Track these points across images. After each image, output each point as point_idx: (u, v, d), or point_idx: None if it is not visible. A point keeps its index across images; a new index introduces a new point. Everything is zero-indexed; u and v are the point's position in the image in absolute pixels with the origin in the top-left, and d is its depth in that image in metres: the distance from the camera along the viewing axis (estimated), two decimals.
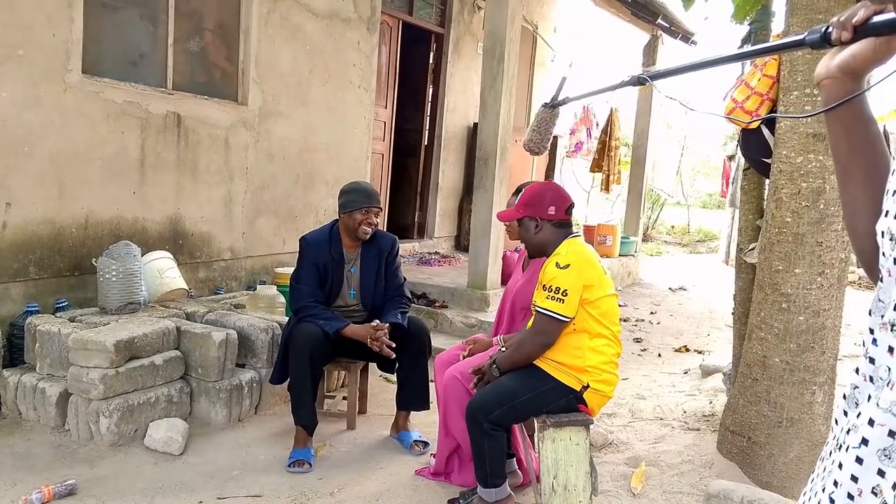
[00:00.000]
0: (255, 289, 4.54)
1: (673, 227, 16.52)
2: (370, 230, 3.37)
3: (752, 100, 3.11)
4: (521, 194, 2.83)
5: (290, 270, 3.66)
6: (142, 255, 3.97)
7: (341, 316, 3.38)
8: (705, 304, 7.84)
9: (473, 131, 7.70)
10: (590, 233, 8.07)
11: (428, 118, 7.88)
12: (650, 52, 8.93)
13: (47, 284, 3.97)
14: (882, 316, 0.89)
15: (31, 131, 3.79)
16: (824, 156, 2.86)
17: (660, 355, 5.53)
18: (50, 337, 3.41)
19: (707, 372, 4.66)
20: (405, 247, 7.17)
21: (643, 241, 10.66)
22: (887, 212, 0.91)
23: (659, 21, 8.45)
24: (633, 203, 9.18)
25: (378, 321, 3.31)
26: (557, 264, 2.53)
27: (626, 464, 3.29)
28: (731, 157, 11.02)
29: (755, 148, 3.26)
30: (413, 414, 3.54)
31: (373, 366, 3.69)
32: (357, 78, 6.12)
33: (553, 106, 2.53)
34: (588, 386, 2.55)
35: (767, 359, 3.05)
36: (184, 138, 4.64)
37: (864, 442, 0.85)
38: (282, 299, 4.35)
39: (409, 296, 3.62)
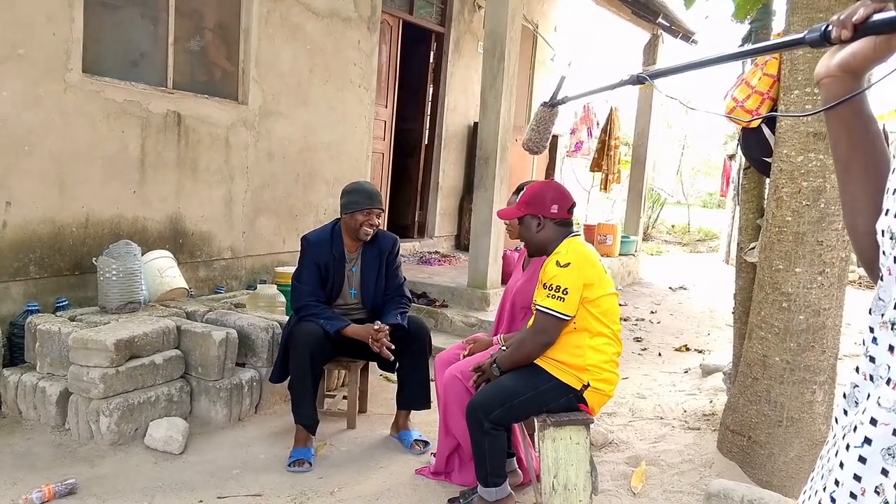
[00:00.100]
0: (256, 288, 4.54)
1: (673, 226, 16.53)
2: (371, 231, 3.37)
3: (753, 99, 3.11)
4: (522, 193, 2.83)
5: (291, 270, 3.66)
6: (142, 255, 3.97)
7: (342, 315, 3.38)
8: (705, 304, 7.84)
9: (474, 130, 7.70)
10: (590, 232, 8.07)
11: (428, 117, 7.88)
12: (651, 51, 8.93)
13: (47, 283, 3.97)
14: (882, 314, 0.89)
15: (32, 130, 3.79)
16: (825, 155, 2.85)
17: (660, 354, 5.53)
18: (50, 336, 3.41)
19: (707, 371, 4.66)
20: (405, 246, 7.17)
21: (643, 240, 10.66)
22: (887, 210, 0.90)
23: (659, 20, 8.45)
24: (634, 202, 9.17)
25: (379, 322, 3.31)
26: (558, 263, 2.53)
27: (627, 463, 3.29)
28: (731, 157, 11.02)
29: (756, 147, 3.26)
30: (413, 413, 3.54)
31: (373, 365, 3.69)
32: (357, 77, 6.12)
33: (552, 105, 2.53)
34: (588, 385, 2.55)
35: (768, 358, 3.05)
36: (184, 137, 4.64)
37: (868, 441, 0.85)
38: (282, 298, 4.34)
39: (409, 295, 3.62)
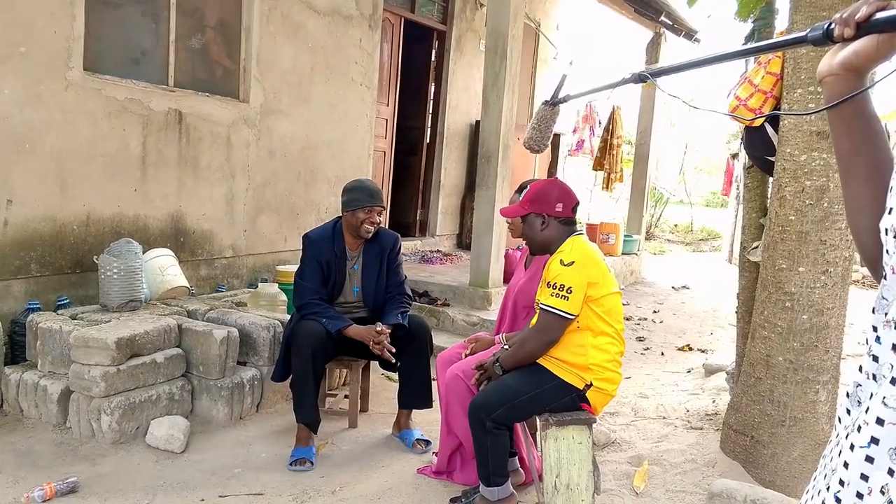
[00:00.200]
0: (257, 286, 4.54)
1: (676, 225, 16.51)
2: (372, 229, 3.37)
3: (756, 97, 3.09)
4: (526, 191, 2.82)
5: (292, 268, 3.66)
6: (143, 253, 3.97)
7: (343, 314, 3.38)
8: (708, 303, 7.83)
9: (475, 129, 7.69)
10: (592, 231, 8.06)
11: (430, 116, 7.88)
12: (653, 49, 8.92)
13: (49, 282, 3.97)
14: (886, 313, 0.88)
15: (33, 128, 3.79)
16: (828, 154, 2.84)
17: (663, 354, 5.52)
18: (51, 334, 3.41)
19: (710, 371, 4.65)
20: (407, 245, 7.16)
21: (646, 239, 10.65)
22: (891, 209, 0.90)
23: (662, 18, 8.44)
24: (636, 201, 9.17)
25: (380, 324, 3.31)
26: (562, 261, 2.53)
27: (629, 463, 3.28)
28: (734, 155, 11.00)
29: (759, 146, 3.25)
30: (415, 412, 3.54)
31: (375, 364, 3.68)
32: (359, 75, 6.11)
33: (553, 104, 2.52)
34: (591, 384, 2.54)
35: (771, 357, 3.04)
36: (185, 135, 4.64)
37: (875, 441, 0.84)
38: (283, 297, 4.34)
39: (410, 294, 3.62)
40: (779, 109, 3.05)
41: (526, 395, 2.55)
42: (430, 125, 7.89)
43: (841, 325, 3.03)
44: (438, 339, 4.31)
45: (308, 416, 3.23)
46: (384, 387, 4.22)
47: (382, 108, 6.94)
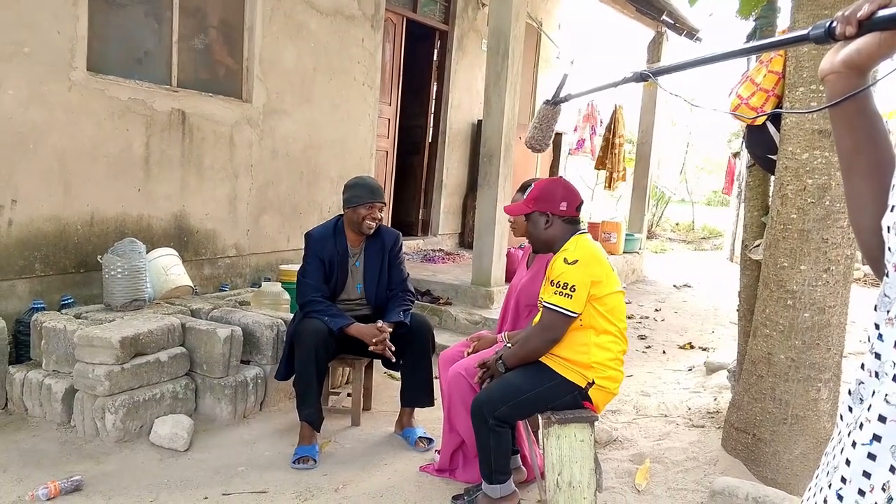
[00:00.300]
0: (260, 286, 4.55)
1: (677, 224, 16.51)
2: (374, 225, 3.39)
3: (758, 96, 3.10)
4: (530, 188, 2.82)
5: (295, 268, 3.67)
6: (147, 252, 3.98)
7: (346, 312, 3.39)
8: (710, 301, 7.83)
9: (478, 128, 7.70)
10: (594, 230, 8.05)
11: (432, 115, 7.88)
12: (655, 48, 8.91)
13: (53, 281, 3.99)
14: (888, 311, 0.88)
15: (37, 128, 3.80)
16: (830, 152, 2.85)
17: (664, 352, 5.53)
18: (56, 333, 3.42)
19: (712, 369, 4.65)
20: (409, 244, 7.17)
21: (647, 238, 10.65)
22: (893, 206, 0.90)
23: (664, 18, 8.43)
24: (638, 200, 9.16)
25: (382, 322, 3.32)
26: (566, 260, 2.53)
27: (631, 460, 3.28)
28: (735, 154, 10.99)
29: (761, 144, 3.25)
30: (418, 410, 3.55)
31: (377, 362, 3.69)
32: (361, 75, 6.12)
33: (555, 103, 2.53)
34: (593, 383, 2.55)
35: (772, 356, 3.04)
36: (188, 135, 4.65)
37: (877, 438, 0.85)
38: (286, 296, 4.36)
39: (413, 291, 3.63)
40: (780, 108, 3.06)
41: (528, 392, 2.56)
42: (432, 125, 7.90)
43: (842, 324, 3.03)
44: (441, 338, 4.32)
45: (311, 414, 3.24)
46: (387, 385, 4.22)
47: (385, 107, 6.95)
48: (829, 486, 0.92)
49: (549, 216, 2.68)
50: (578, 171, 12.48)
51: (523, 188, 3.01)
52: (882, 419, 0.85)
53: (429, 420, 3.60)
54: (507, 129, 5.29)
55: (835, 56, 0.96)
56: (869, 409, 0.87)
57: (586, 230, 2.76)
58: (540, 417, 2.62)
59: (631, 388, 4.35)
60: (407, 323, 3.39)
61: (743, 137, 3.69)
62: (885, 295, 0.90)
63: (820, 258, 2.91)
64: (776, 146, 3.10)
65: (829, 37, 0.93)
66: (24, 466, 2.95)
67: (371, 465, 3.20)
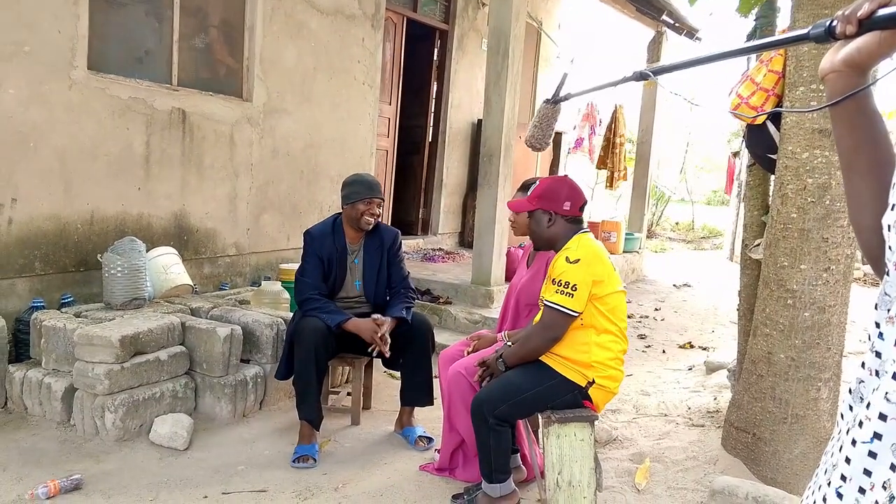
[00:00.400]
0: (260, 285, 4.55)
1: (677, 223, 16.51)
2: (373, 221, 3.40)
3: (758, 95, 3.10)
4: (534, 186, 2.82)
5: (295, 267, 3.67)
6: (147, 251, 3.98)
7: (346, 310, 3.39)
8: (710, 301, 7.83)
9: (478, 128, 7.70)
10: (594, 229, 7.99)
11: (432, 115, 7.88)
12: (655, 48, 8.91)
13: (53, 280, 3.99)
14: (888, 310, 0.88)
15: (37, 127, 3.80)
16: (830, 151, 2.85)
17: (664, 352, 5.53)
18: (55, 332, 3.43)
19: (711, 368, 4.66)
20: (409, 243, 7.17)
21: (647, 237, 10.65)
22: (893, 205, 0.90)
23: (663, 17, 8.43)
24: (638, 199, 9.16)
25: (378, 315, 3.33)
26: (567, 259, 2.53)
27: (631, 460, 3.29)
28: (735, 154, 10.99)
29: (761, 144, 3.25)
30: (417, 409, 3.55)
31: (377, 361, 3.69)
32: (361, 74, 6.12)
33: (555, 102, 2.53)
34: (593, 382, 2.55)
35: (772, 355, 3.05)
36: (189, 134, 4.65)
37: (878, 436, 0.85)
38: (286, 295, 4.36)
39: (414, 289, 3.63)
40: (781, 107, 3.06)
41: (528, 391, 2.56)
42: (432, 124, 7.90)
43: (842, 323, 3.03)
44: (440, 337, 4.32)
45: (311, 413, 3.24)
46: (386, 384, 4.23)
47: (385, 106, 6.95)
48: (829, 484, 0.92)
49: (552, 215, 2.68)
50: (578, 170, 12.47)
51: (524, 187, 3.01)
52: (882, 417, 0.85)
53: (428, 419, 3.60)
54: (507, 129, 5.29)
55: (835, 55, 0.96)
56: (869, 407, 0.87)
57: (588, 230, 2.76)
58: (540, 416, 2.62)
59: (631, 387, 4.35)
60: (409, 320, 3.39)
61: (743, 137, 3.68)
62: (886, 293, 0.90)
63: (820, 257, 2.91)
64: (776, 145, 3.11)
65: (829, 36, 0.93)
66: (24, 465, 2.95)
67: (371, 464, 3.20)
